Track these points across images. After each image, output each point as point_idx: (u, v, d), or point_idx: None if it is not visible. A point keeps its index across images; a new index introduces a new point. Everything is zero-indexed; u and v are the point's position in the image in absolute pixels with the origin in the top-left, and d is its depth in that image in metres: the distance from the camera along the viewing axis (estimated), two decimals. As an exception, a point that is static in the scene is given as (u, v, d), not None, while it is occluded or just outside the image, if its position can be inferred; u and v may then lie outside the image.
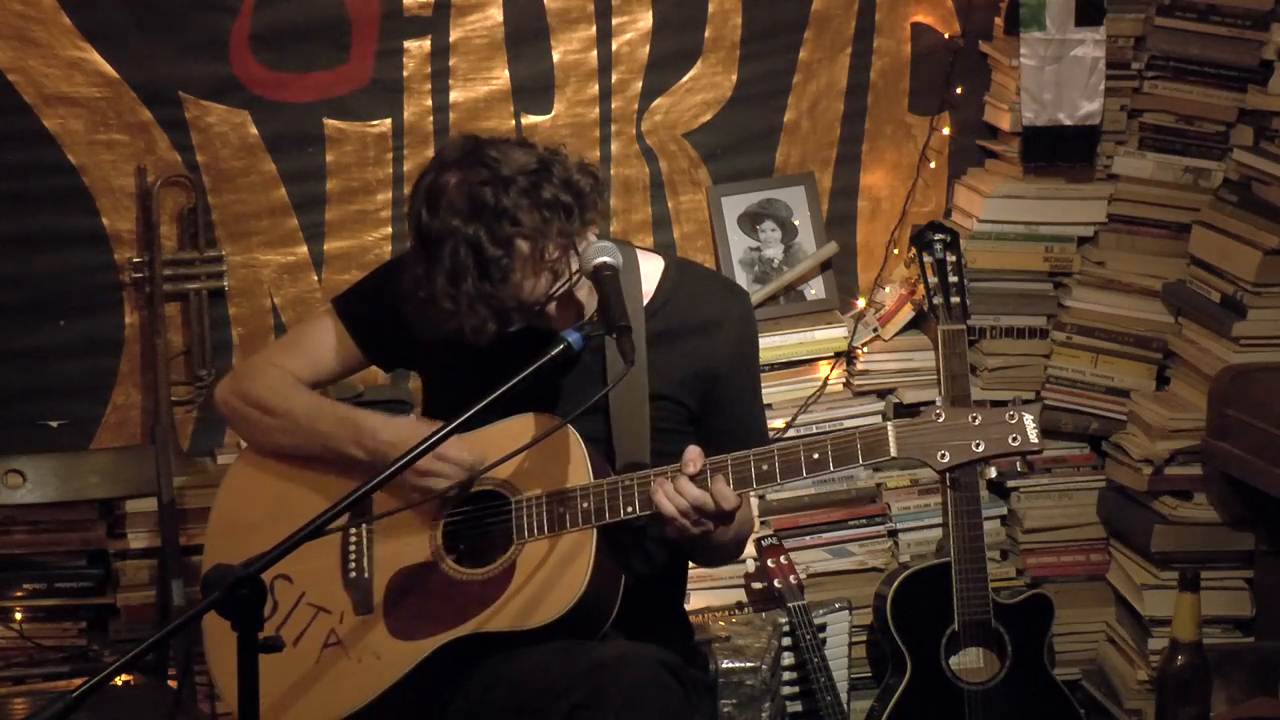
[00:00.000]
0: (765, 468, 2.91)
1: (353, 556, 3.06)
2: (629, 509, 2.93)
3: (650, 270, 3.11)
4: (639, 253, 3.12)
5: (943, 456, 2.88)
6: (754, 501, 3.52)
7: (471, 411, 2.76)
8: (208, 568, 3.05)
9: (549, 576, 2.94)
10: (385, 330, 3.13)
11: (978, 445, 2.88)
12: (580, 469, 2.97)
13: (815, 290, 4.46)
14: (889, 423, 2.90)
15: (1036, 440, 2.89)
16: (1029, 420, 2.88)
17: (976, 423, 2.88)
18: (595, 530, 2.94)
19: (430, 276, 2.84)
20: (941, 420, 2.88)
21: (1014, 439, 2.87)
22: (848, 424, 4.40)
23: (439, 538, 3.03)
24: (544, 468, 2.98)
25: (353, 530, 3.07)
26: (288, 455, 3.14)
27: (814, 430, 4.36)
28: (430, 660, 2.97)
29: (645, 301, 3.07)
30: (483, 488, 3.02)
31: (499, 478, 3.00)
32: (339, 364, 3.20)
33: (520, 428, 2.99)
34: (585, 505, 2.94)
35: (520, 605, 2.94)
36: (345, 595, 3.04)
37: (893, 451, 2.88)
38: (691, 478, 2.89)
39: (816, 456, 2.90)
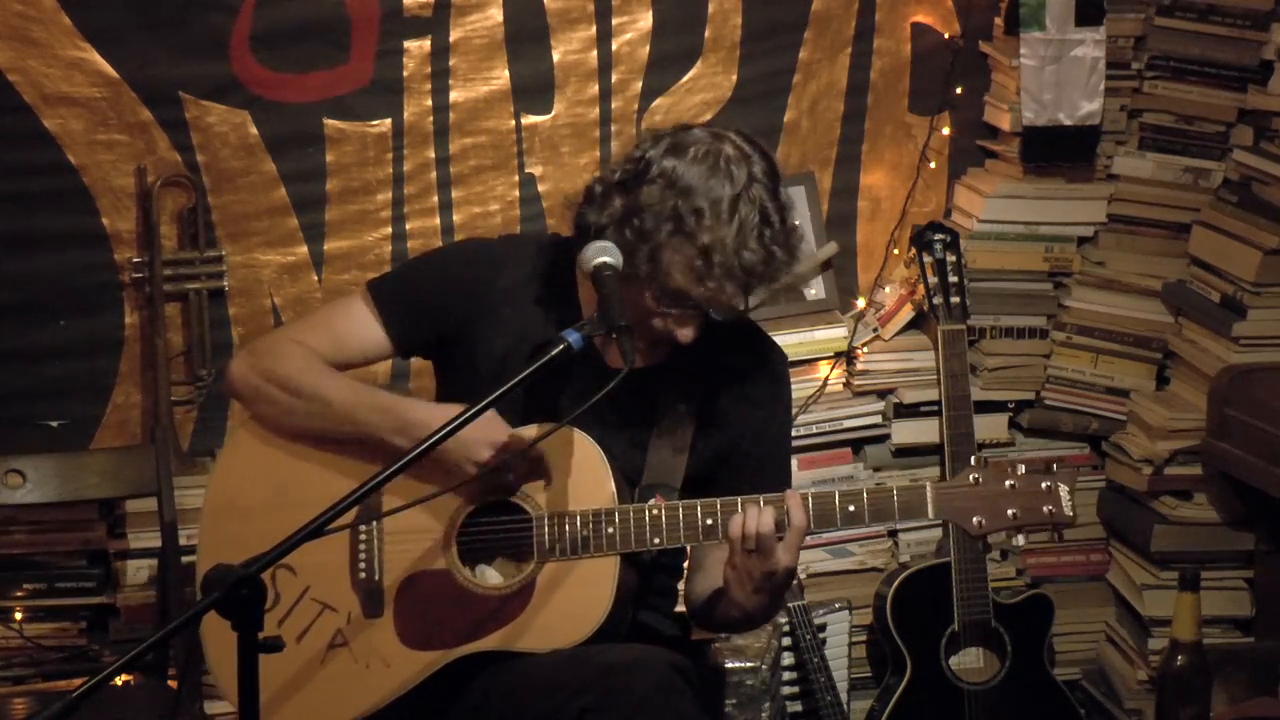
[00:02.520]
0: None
1: (363, 556, 2.99)
2: (655, 540, 2.90)
3: None
4: None
5: (979, 522, 2.87)
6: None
7: (471, 411, 2.71)
8: (204, 551, 3.05)
9: (570, 601, 2.91)
10: (422, 319, 3.06)
11: (1012, 513, 2.87)
12: (603, 489, 2.92)
13: (815, 290, 4.45)
14: (927, 482, 2.88)
15: (1071, 514, 2.88)
16: (1064, 491, 2.87)
17: (1012, 488, 2.87)
18: (618, 558, 2.91)
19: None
20: (979, 484, 2.87)
21: (1049, 509, 2.87)
22: (847, 424, 4.41)
23: (454, 547, 2.97)
24: (566, 484, 2.93)
25: (363, 527, 2.99)
26: (300, 435, 3.03)
27: (814, 430, 4.37)
28: (440, 670, 2.94)
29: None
30: (501, 499, 2.97)
31: (519, 489, 2.95)
32: (361, 352, 3.09)
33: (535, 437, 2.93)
34: (610, 531, 2.90)
35: (538, 626, 2.90)
36: (353, 595, 2.98)
37: (930, 514, 2.88)
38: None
39: (852, 509, 2.89)
